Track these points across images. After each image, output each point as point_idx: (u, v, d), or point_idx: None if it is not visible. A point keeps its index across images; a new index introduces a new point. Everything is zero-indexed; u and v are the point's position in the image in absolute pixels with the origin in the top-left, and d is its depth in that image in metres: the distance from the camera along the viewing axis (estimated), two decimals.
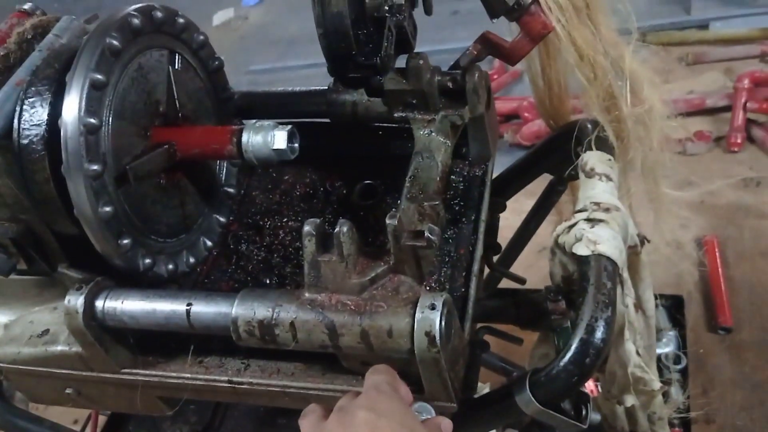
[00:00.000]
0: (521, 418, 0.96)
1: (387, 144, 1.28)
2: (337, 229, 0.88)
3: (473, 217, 1.15)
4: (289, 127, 1.01)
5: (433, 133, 1.11)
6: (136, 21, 0.97)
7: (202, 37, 1.13)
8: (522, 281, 1.31)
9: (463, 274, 1.07)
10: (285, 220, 1.22)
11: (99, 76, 0.90)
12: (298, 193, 1.29)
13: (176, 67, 1.08)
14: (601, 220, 0.96)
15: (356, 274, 0.90)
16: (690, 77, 3.30)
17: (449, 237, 1.16)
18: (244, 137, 1.01)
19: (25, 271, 1.08)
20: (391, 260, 0.91)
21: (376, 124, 1.24)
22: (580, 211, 1.00)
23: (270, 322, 0.90)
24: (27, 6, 1.13)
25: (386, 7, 1.05)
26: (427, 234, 0.89)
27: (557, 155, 1.25)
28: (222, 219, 1.21)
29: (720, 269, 2.41)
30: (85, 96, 0.89)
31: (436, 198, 1.02)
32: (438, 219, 1.01)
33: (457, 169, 1.24)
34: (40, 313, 1.12)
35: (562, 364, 0.88)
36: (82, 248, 1.02)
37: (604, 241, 0.94)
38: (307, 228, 0.89)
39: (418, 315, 0.85)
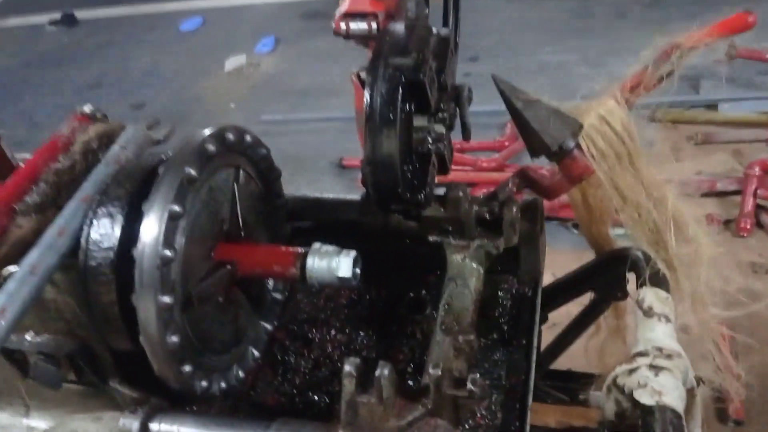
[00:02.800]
0: None
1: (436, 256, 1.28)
2: (378, 372, 0.87)
3: (524, 342, 1.15)
4: (354, 253, 1.01)
5: (467, 260, 1.12)
6: (211, 147, 0.97)
7: (264, 150, 1.13)
8: (565, 401, 1.30)
9: (517, 405, 1.07)
10: (333, 332, 1.22)
11: (177, 208, 0.90)
12: (343, 301, 1.28)
13: (240, 182, 1.08)
14: (664, 368, 0.97)
15: (394, 417, 0.89)
16: (699, 157, 3.35)
17: (498, 360, 1.16)
18: (309, 262, 1.01)
19: (72, 380, 1.06)
20: (429, 404, 0.91)
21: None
22: (641, 354, 1.00)
23: None
24: (87, 109, 1.13)
25: (429, 140, 1.06)
26: (469, 385, 0.89)
27: (605, 277, 1.27)
28: (269, 326, 1.20)
29: (731, 360, 2.41)
30: (163, 228, 0.88)
31: (470, 332, 1.03)
32: (473, 354, 1.01)
33: (506, 286, 1.25)
34: (83, 421, 1.09)
35: None
36: (134, 365, 1.00)
37: (669, 391, 0.94)
38: (347, 368, 0.88)
39: None
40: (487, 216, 1.10)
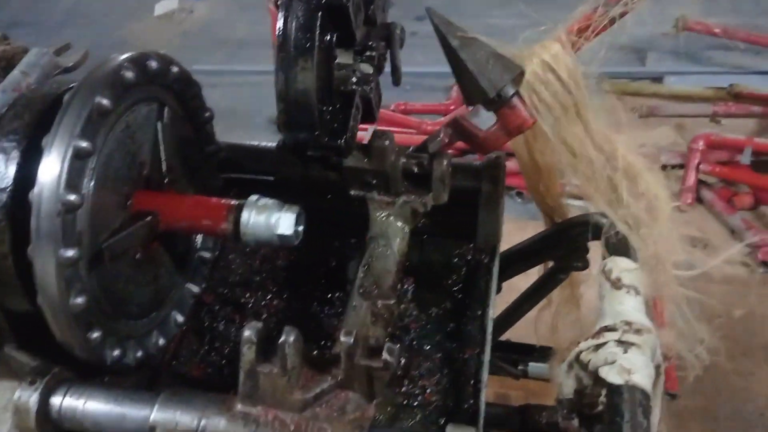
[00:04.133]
0: None
1: None
2: (282, 339, 0.77)
3: (479, 313, 1.06)
4: (296, 208, 0.89)
5: (392, 218, 1.00)
6: (129, 75, 0.82)
7: (195, 87, 0.98)
8: (518, 377, 1.22)
9: (472, 381, 0.97)
10: (269, 297, 1.09)
11: (84, 144, 0.75)
12: (281, 262, 1.16)
13: (165, 121, 0.93)
14: (634, 344, 0.89)
15: (299, 389, 0.80)
16: (642, 130, 3.33)
17: (450, 331, 1.06)
18: (244, 216, 0.87)
19: None
20: (339, 375, 0.81)
21: None
22: (608, 329, 0.92)
23: None
24: None
25: (353, 80, 0.93)
26: (385, 355, 0.80)
27: (565, 246, 1.18)
28: (195, 288, 1.06)
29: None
30: (66, 168, 0.73)
31: (391, 296, 0.93)
32: (392, 320, 0.93)
33: (460, 252, 1.15)
34: None
35: None
36: (35, 330, 0.86)
37: (638, 369, 0.86)
38: (247, 333, 0.78)
39: None
40: (415, 169, 0.98)
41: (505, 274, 1.22)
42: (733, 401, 2.27)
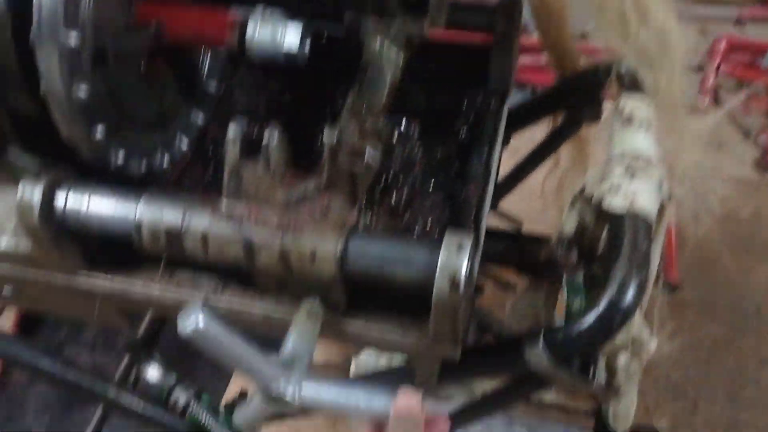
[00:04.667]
0: (523, 371, 0.89)
1: None
2: (266, 136, 0.80)
3: (485, 152, 1.05)
4: (302, 23, 0.87)
5: (386, 44, 0.98)
6: None
7: None
8: (519, 224, 1.23)
9: (473, 213, 0.97)
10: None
11: None
12: (288, 98, 1.14)
13: None
14: (641, 173, 0.88)
15: (283, 188, 0.82)
16: None
17: (454, 171, 1.06)
18: (249, 29, 0.86)
19: None
20: (323, 178, 0.83)
21: None
22: (616, 160, 0.91)
23: (179, 231, 0.81)
24: None
25: None
26: (367, 156, 0.83)
27: (578, 95, 1.16)
28: (200, 117, 1.06)
29: (673, 228, 2.41)
30: None
31: (380, 116, 0.94)
32: (379, 140, 0.93)
33: (468, 95, 1.14)
34: None
35: (585, 324, 0.81)
36: (38, 131, 0.86)
37: (643, 196, 0.86)
38: (231, 132, 0.80)
39: (442, 256, 0.75)
40: None
41: (515, 126, 1.21)
42: (731, 294, 2.30)
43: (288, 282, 0.84)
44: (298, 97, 1.12)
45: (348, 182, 0.84)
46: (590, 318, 0.81)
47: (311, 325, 0.82)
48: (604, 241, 0.99)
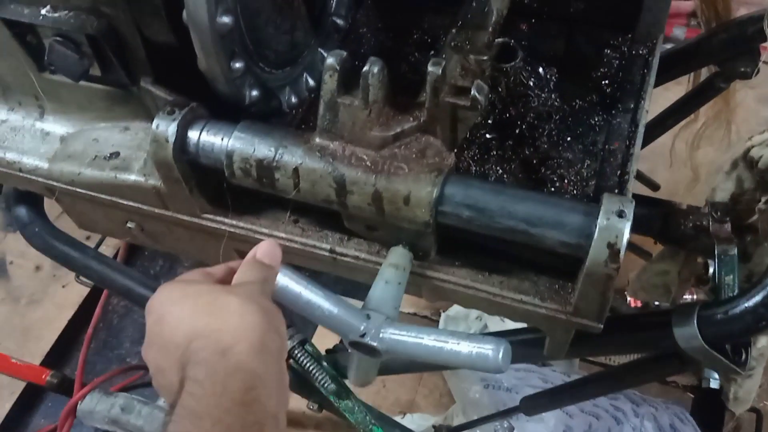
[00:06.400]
0: (669, 348, 0.82)
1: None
2: (366, 68, 0.74)
3: (632, 105, 0.96)
4: None
5: None
6: None
7: None
8: (656, 187, 1.14)
9: (618, 173, 0.90)
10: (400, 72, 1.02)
11: None
12: (415, 38, 1.08)
13: None
14: None
15: (379, 126, 0.77)
16: None
17: (596, 124, 0.98)
18: None
19: (96, 78, 0.89)
20: (422, 116, 0.77)
21: None
22: None
23: (270, 163, 0.77)
24: None
25: None
26: (473, 92, 0.75)
27: (732, 48, 1.05)
28: (327, 54, 1.01)
29: None
30: None
31: (484, 52, 0.86)
32: (483, 77, 0.85)
33: (615, 43, 1.04)
34: (107, 131, 0.94)
35: (749, 303, 0.74)
36: (173, 64, 0.83)
37: None
38: (330, 60, 0.75)
39: (601, 221, 0.69)
40: None
41: (659, 78, 1.11)
42: None
43: (378, 226, 0.81)
44: (403, 42, 1.06)
45: (449, 122, 0.79)
46: (756, 297, 0.73)
47: (399, 275, 0.78)
48: (760, 212, 0.90)
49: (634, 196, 1.10)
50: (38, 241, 1.10)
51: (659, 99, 1.18)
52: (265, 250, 0.71)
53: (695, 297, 1.45)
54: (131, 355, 2.24)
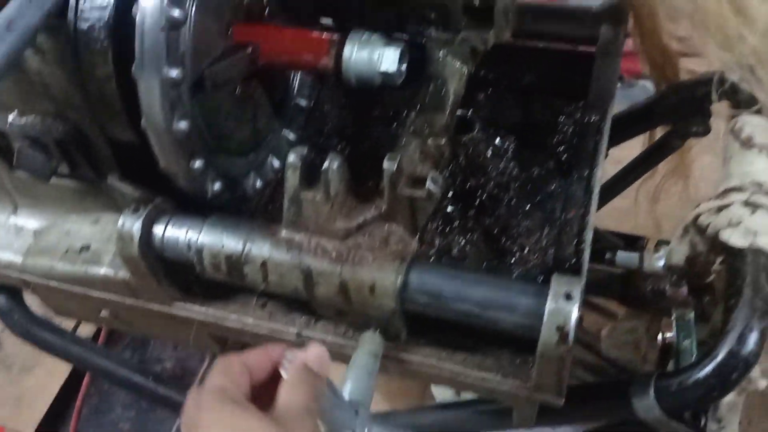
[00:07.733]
0: (629, 418, 0.84)
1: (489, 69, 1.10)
2: (326, 165, 0.78)
3: (586, 173, 0.99)
4: (401, 45, 0.83)
5: (449, 57, 0.93)
6: None
7: None
8: (618, 246, 1.17)
9: (574, 242, 0.92)
10: (365, 146, 1.06)
11: None
12: (377, 114, 1.11)
13: None
14: (763, 206, 0.81)
15: (342, 218, 0.80)
16: None
17: (553, 192, 1.01)
18: (347, 51, 0.83)
19: (64, 174, 0.92)
20: (383, 206, 0.80)
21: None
22: (735, 189, 0.84)
23: (239, 258, 0.80)
24: None
25: None
26: (428, 184, 0.79)
27: (683, 108, 1.09)
28: (292, 136, 1.04)
29: None
30: None
31: (442, 135, 0.90)
32: (441, 161, 0.89)
33: (567, 110, 1.08)
34: (78, 224, 0.97)
35: (701, 374, 0.76)
36: (138, 160, 0.86)
37: (766, 232, 0.80)
38: (291, 158, 0.78)
39: (550, 305, 0.71)
40: (476, 2, 0.91)
41: (615, 138, 1.14)
42: None
43: (348, 312, 0.83)
44: (365, 118, 1.09)
45: (409, 211, 0.82)
46: (707, 368, 0.75)
47: (373, 362, 0.78)
48: (716, 272, 0.93)
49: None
50: (18, 329, 1.12)
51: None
52: (314, 355, 0.67)
53: None
54: (123, 420, 2.24)
